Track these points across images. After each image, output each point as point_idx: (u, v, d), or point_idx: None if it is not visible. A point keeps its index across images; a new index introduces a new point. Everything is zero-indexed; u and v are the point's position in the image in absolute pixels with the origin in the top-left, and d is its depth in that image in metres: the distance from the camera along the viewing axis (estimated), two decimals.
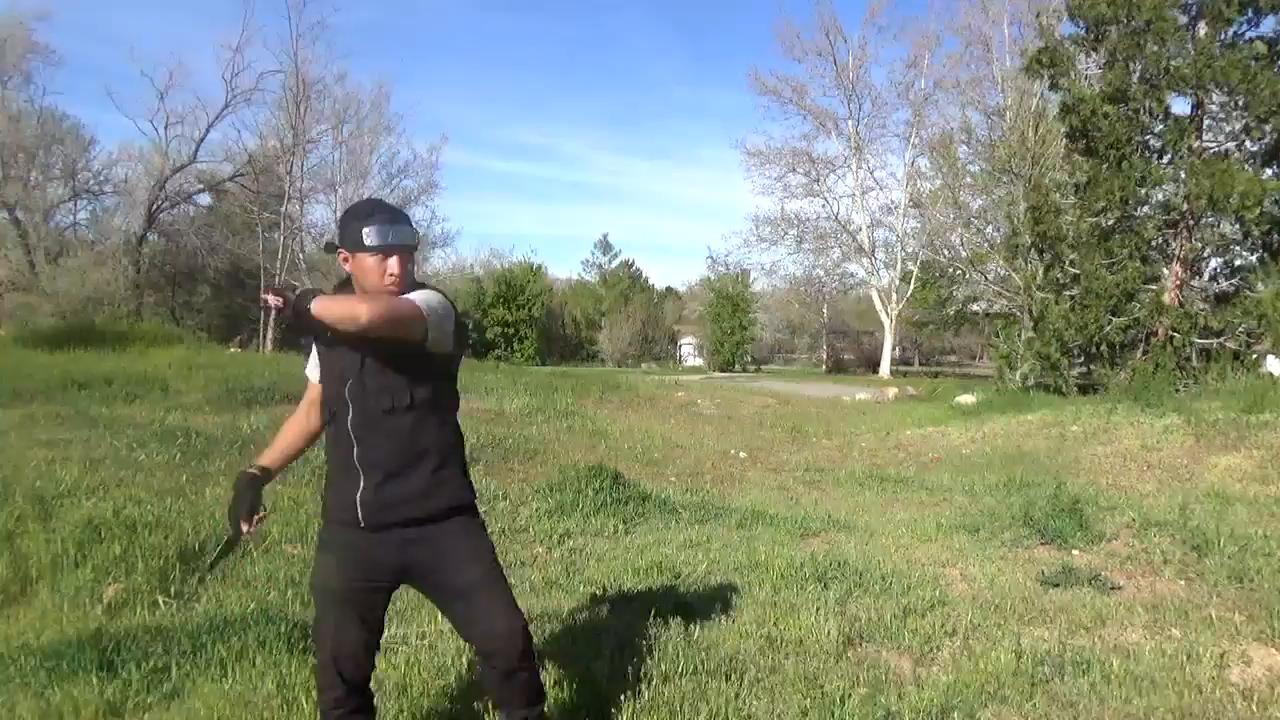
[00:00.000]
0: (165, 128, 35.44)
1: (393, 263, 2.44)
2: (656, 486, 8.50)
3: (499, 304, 51.45)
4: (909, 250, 41.68)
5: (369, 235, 2.41)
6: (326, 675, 2.62)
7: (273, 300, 2.23)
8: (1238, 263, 20.57)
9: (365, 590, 2.56)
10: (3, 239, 33.73)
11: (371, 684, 2.77)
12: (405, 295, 2.42)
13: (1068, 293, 20.39)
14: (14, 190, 33.33)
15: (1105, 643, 4.27)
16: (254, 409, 11.55)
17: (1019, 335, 23.08)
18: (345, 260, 2.47)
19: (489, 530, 6.68)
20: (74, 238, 38.19)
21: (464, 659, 3.66)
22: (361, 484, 2.47)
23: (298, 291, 2.31)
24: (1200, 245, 20.33)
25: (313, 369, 2.66)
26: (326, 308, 2.23)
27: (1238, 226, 19.12)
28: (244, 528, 2.59)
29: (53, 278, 31.82)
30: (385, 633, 4.13)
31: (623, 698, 3.35)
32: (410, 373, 2.47)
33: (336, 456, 2.54)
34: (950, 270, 40.53)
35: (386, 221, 2.44)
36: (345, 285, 2.55)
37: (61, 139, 36.84)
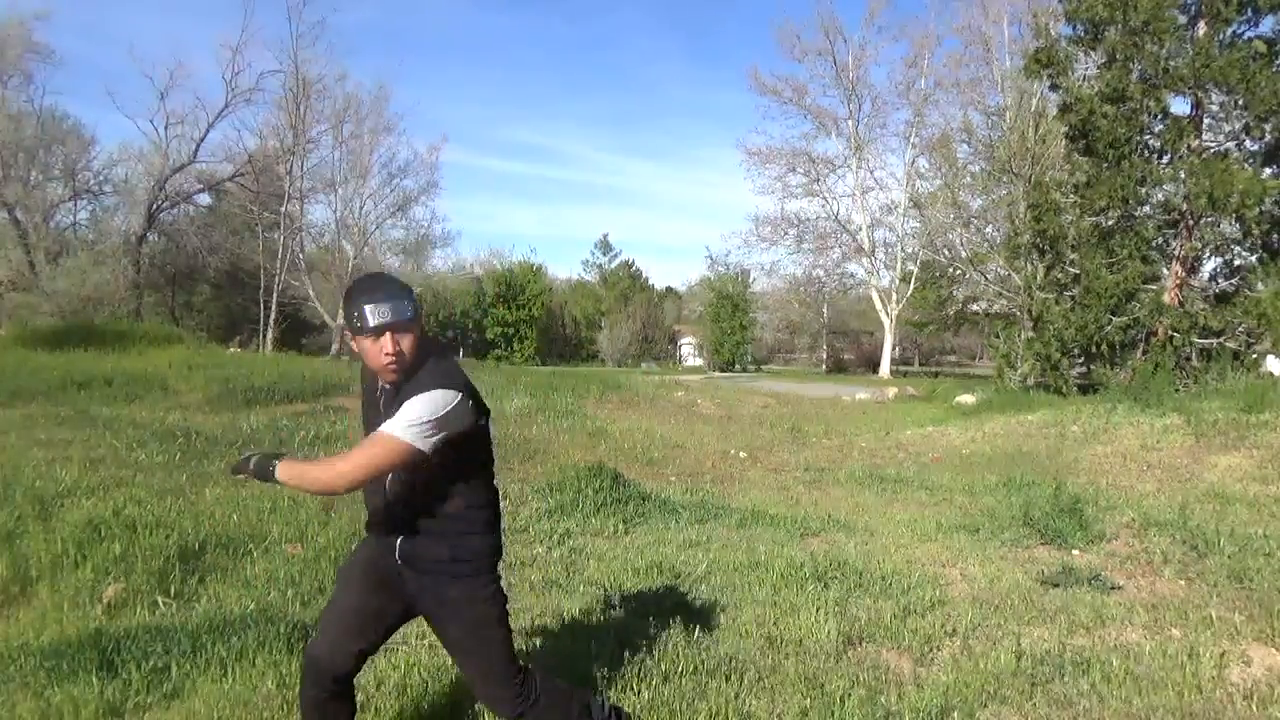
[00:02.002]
0: (165, 128, 35.49)
1: (386, 341, 2.39)
2: (656, 486, 8.50)
3: (499, 304, 51.51)
4: (909, 250, 41.72)
5: (358, 318, 2.39)
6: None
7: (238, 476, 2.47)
8: (1237, 262, 20.56)
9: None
10: (3, 239, 33.66)
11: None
12: (394, 420, 2.38)
13: (1068, 293, 20.39)
14: (14, 190, 33.29)
15: (1105, 643, 4.27)
16: (254, 409, 11.56)
17: (1019, 335, 23.07)
18: (355, 342, 2.45)
19: None
20: (74, 238, 38.15)
21: None
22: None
23: (252, 462, 2.42)
24: (1200, 245, 20.31)
25: None
26: (299, 477, 2.40)
27: (1237, 226, 19.11)
28: None
29: (53, 278, 31.79)
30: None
31: (623, 697, 3.35)
32: None
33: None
34: (950, 270, 40.53)
35: (375, 300, 2.39)
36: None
37: (62, 139, 36.82)
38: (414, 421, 2.35)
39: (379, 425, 2.42)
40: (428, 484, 2.51)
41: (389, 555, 2.62)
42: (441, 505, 2.54)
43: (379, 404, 2.53)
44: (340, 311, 2.47)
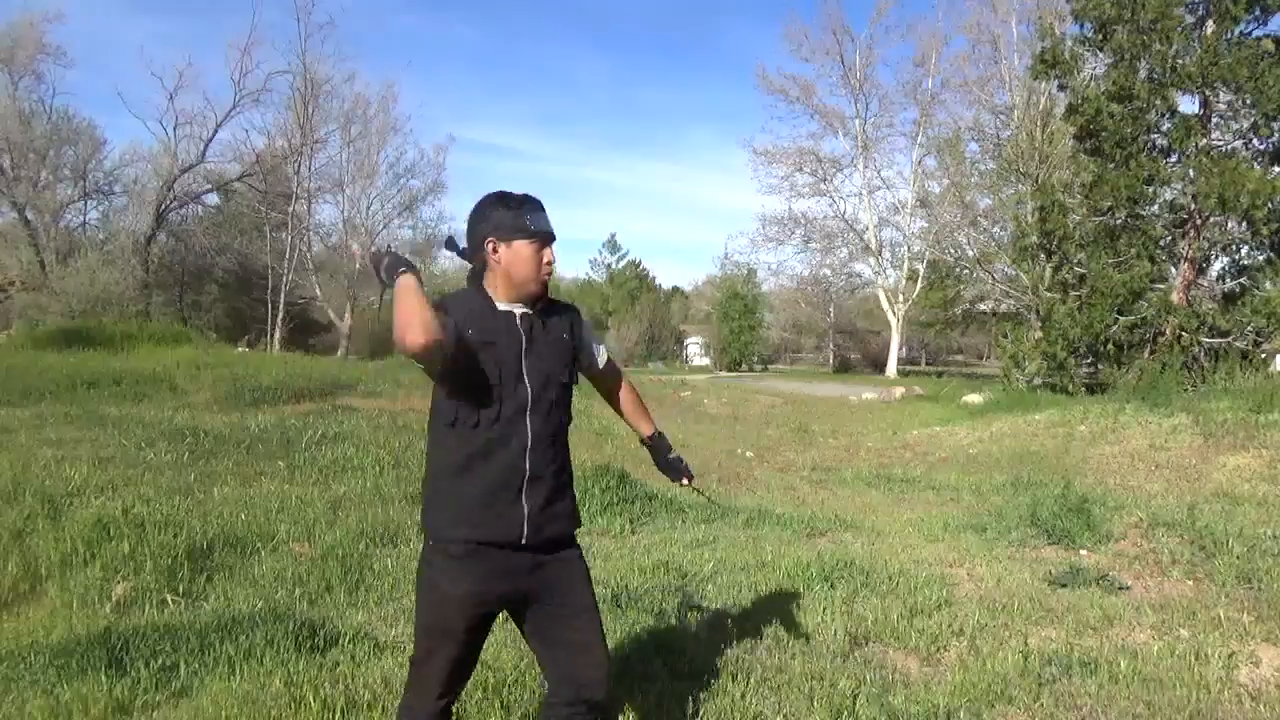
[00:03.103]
0: (174, 128, 35.64)
1: (548, 251, 2.41)
2: (662, 486, 8.49)
3: None
4: (916, 250, 41.62)
5: (532, 221, 2.37)
6: None
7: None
8: (1245, 262, 20.48)
9: (489, 616, 2.43)
10: (13, 239, 33.84)
11: None
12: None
13: (1074, 292, 20.34)
14: (24, 190, 33.45)
15: (1113, 643, 4.25)
16: (262, 408, 11.62)
17: (1027, 335, 23.02)
18: (495, 250, 2.36)
19: None
20: (83, 238, 38.30)
21: None
22: (529, 499, 2.35)
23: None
24: (1208, 245, 20.24)
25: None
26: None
27: (1245, 226, 19.04)
28: None
29: (62, 278, 31.90)
30: (394, 629, 4.17)
31: (629, 697, 3.35)
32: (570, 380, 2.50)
33: (492, 467, 2.33)
34: (957, 270, 40.44)
35: (541, 210, 2.42)
36: (478, 277, 2.43)
37: (73, 139, 36.99)
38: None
39: (516, 353, 2.35)
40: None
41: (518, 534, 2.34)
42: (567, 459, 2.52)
43: (508, 331, 2.38)
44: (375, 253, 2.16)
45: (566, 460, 2.49)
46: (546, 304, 2.49)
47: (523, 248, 2.36)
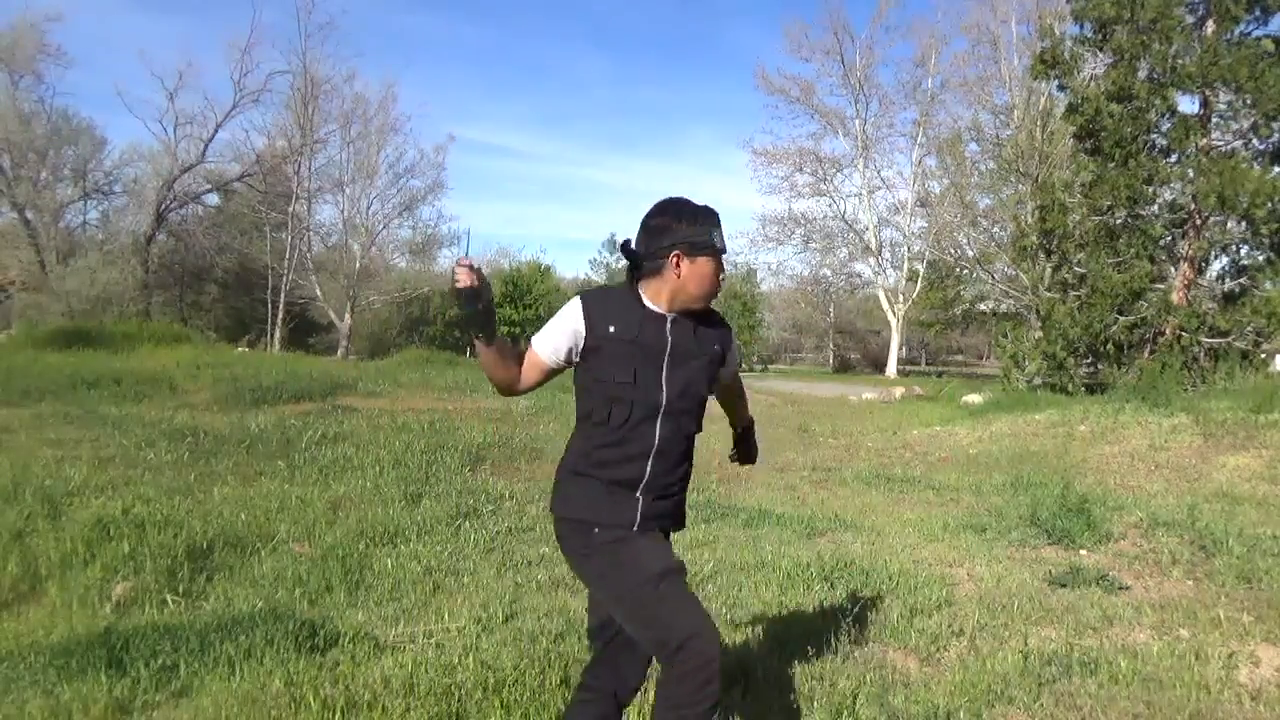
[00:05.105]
0: (174, 128, 35.67)
1: (718, 266, 2.42)
2: None
3: (506, 304, 51.58)
4: (915, 250, 41.63)
5: (717, 238, 2.37)
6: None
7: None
8: (1245, 262, 20.49)
9: None
10: (13, 239, 33.85)
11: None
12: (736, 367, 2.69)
13: (1074, 292, 20.34)
14: (24, 190, 33.44)
15: (1113, 643, 4.25)
16: (262, 408, 11.63)
17: (1027, 335, 23.02)
18: (678, 264, 2.34)
19: (496, 528, 6.63)
20: (84, 238, 38.32)
21: (471, 658, 3.67)
22: (643, 497, 2.52)
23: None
24: (1208, 244, 20.25)
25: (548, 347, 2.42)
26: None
27: (1245, 226, 19.05)
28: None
29: (62, 278, 31.91)
30: (394, 629, 4.17)
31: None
32: None
33: (616, 466, 2.47)
34: (957, 270, 40.44)
35: (720, 225, 2.41)
36: (635, 277, 2.42)
37: (73, 139, 36.98)
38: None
39: (658, 358, 2.38)
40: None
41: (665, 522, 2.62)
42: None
43: (656, 335, 2.38)
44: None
45: (689, 470, 2.57)
46: (704, 314, 2.48)
47: (706, 264, 2.36)
